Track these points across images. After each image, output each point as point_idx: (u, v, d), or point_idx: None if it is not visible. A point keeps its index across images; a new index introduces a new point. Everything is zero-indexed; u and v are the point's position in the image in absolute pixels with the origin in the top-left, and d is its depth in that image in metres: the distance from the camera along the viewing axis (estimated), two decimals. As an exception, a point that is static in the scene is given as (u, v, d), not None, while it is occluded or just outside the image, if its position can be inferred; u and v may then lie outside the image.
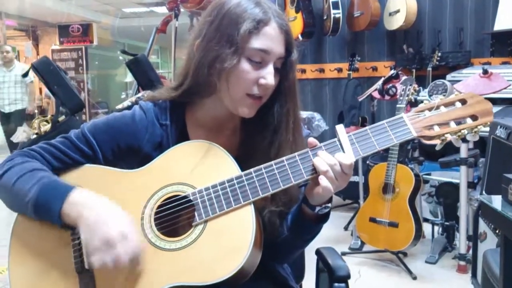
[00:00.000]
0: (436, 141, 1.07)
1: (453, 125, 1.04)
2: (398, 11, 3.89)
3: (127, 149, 1.11)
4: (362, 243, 3.16)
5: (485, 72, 2.83)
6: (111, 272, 0.99)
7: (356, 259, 3.06)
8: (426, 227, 3.27)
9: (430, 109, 1.06)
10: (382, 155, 3.08)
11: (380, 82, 3.13)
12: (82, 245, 1.01)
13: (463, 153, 2.75)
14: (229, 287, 0.97)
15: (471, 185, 2.91)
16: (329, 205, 1.06)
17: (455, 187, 3.07)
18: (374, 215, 2.88)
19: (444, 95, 2.92)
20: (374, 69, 4.23)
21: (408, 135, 1.03)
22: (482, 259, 1.46)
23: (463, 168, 2.76)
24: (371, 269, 2.93)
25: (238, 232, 0.99)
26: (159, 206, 1.04)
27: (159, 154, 1.09)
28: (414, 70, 3.94)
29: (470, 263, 2.84)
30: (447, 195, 3.14)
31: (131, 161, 1.11)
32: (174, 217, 1.03)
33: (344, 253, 3.07)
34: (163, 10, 6.82)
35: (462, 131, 1.04)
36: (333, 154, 1.01)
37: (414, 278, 2.76)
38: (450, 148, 3.19)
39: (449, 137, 1.05)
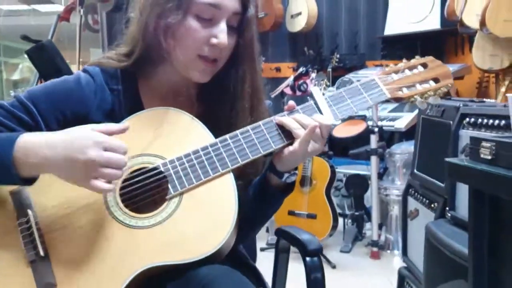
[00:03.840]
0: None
1: (419, 87, 1.07)
2: (299, 14, 4.03)
3: (74, 118, 0.97)
4: (279, 238, 3.18)
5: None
6: (72, 258, 0.85)
7: (276, 254, 3.06)
8: (336, 220, 3.39)
9: (396, 72, 1.08)
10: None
11: (291, 78, 3.20)
12: (32, 229, 0.86)
13: (373, 144, 2.90)
14: (205, 264, 0.87)
15: (378, 176, 3.09)
16: (297, 171, 1.02)
17: (363, 178, 3.23)
18: (293, 208, 2.91)
19: (351, 91, 3.06)
20: (278, 69, 4.32)
21: (382, 97, 1.04)
22: (425, 231, 1.52)
23: (373, 158, 2.91)
24: (292, 262, 2.94)
25: (220, 203, 0.91)
26: (125, 181, 0.92)
27: (111, 122, 0.96)
28: (315, 71, 4.09)
29: (383, 249, 3.02)
30: (355, 187, 3.29)
31: None
32: (143, 191, 0.92)
33: (263, 249, 3.05)
34: (47, 8, 6.34)
35: (429, 92, 1.07)
36: (311, 117, 0.98)
37: (334, 267, 2.83)
38: (357, 143, 3.36)
39: (417, 99, 1.08)
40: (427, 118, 1.75)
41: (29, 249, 0.86)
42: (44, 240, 0.87)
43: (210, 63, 0.98)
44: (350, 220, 3.33)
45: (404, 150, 3.00)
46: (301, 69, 3.26)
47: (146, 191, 0.92)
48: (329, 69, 4.06)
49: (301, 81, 3.14)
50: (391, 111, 3.47)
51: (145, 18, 0.98)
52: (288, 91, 3.25)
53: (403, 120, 3.22)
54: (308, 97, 1.04)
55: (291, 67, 4.29)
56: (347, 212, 3.35)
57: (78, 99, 0.97)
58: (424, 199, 1.73)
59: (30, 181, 0.87)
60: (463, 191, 1.47)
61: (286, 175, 1.00)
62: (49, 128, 0.95)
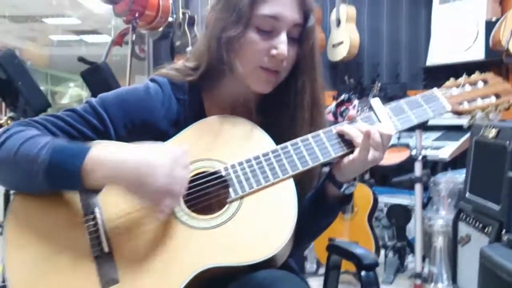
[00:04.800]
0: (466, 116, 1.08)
1: (480, 102, 1.06)
2: (341, 43, 4.06)
3: (142, 125, 1.00)
4: (318, 267, 3.13)
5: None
6: (135, 255, 0.87)
7: (315, 282, 2.99)
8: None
9: (457, 86, 1.08)
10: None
11: (333, 105, 3.21)
12: (98, 226, 0.88)
13: (418, 172, 2.84)
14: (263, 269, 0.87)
15: (422, 205, 3.01)
16: (356, 183, 1.02)
17: (405, 209, 3.16)
18: (334, 236, 2.84)
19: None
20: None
21: (443, 109, 1.03)
22: (480, 255, 1.48)
23: (417, 186, 2.84)
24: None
25: (280, 207, 0.92)
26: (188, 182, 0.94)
27: (176, 131, 1.00)
28: (357, 100, 4.09)
29: (426, 282, 2.92)
30: (397, 217, 3.21)
31: (146, 139, 0.99)
32: (204, 194, 0.94)
33: (302, 277, 3.01)
34: (95, 39, 6.61)
35: (490, 107, 1.06)
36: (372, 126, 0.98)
37: (376, 297, 2.75)
38: (398, 171, 3.30)
39: (478, 114, 1.07)
40: (481, 140, 1.72)
41: (95, 245, 0.88)
42: (109, 237, 0.89)
43: (272, 74, 1.00)
44: (391, 252, 3.24)
45: (449, 179, 2.93)
46: (343, 96, 3.27)
47: (207, 194, 0.94)
48: (370, 98, 4.05)
49: (344, 107, 3.14)
50: (435, 140, 3.41)
51: (210, 32, 1.02)
52: (330, 117, 3.25)
53: (448, 149, 3.16)
54: (368, 109, 1.05)
55: (331, 95, 4.29)
56: (388, 243, 3.27)
57: (147, 108, 1.01)
58: (477, 223, 1.68)
59: (95, 191, 0.90)
60: (520, 214, 1.43)
61: (345, 185, 1.00)
62: (118, 134, 0.99)
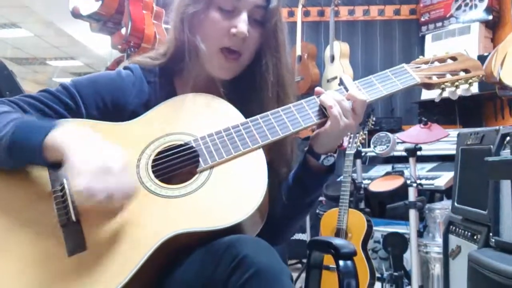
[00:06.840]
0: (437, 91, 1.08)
1: (449, 76, 1.06)
2: (335, 78, 4.11)
3: (113, 105, 1.02)
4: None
5: (425, 123, 3.00)
6: (103, 224, 0.85)
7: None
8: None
9: (426, 63, 1.08)
10: (331, 204, 3.07)
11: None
12: (66, 196, 0.86)
13: (412, 197, 2.79)
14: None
15: (418, 234, 2.94)
16: (335, 155, 1.01)
17: (402, 237, 3.08)
18: (328, 263, 2.76)
19: (387, 146, 3.05)
20: (313, 131, 4.34)
21: (412, 81, 1.04)
22: (468, 260, 1.43)
23: (412, 212, 2.79)
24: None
25: (250, 175, 0.91)
26: (158, 154, 0.94)
27: (147, 111, 1.01)
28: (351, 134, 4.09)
29: (424, 311, 2.80)
30: (394, 245, 3.13)
31: (117, 119, 1.00)
32: (174, 164, 0.94)
33: (296, 307, 2.90)
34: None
35: (459, 81, 1.06)
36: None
37: (371, 327, 2.63)
38: (393, 198, 3.25)
39: (447, 89, 1.07)
40: (466, 148, 1.71)
41: (61, 214, 0.87)
42: (76, 207, 0.87)
43: (232, 56, 1.01)
44: (388, 284, 3.14)
45: (444, 205, 2.88)
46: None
47: (176, 164, 0.93)
48: (365, 132, 4.05)
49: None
50: (430, 170, 3.39)
51: (174, 15, 1.05)
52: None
53: (443, 179, 3.13)
54: (338, 84, 1.05)
55: (327, 129, 4.31)
56: (385, 273, 3.16)
57: (118, 87, 1.03)
58: (466, 232, 1.64)
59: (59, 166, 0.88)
60: (506, 215, 1.39)
61: (322, 156, 1.00)
62: (89, 113, 1.01)
